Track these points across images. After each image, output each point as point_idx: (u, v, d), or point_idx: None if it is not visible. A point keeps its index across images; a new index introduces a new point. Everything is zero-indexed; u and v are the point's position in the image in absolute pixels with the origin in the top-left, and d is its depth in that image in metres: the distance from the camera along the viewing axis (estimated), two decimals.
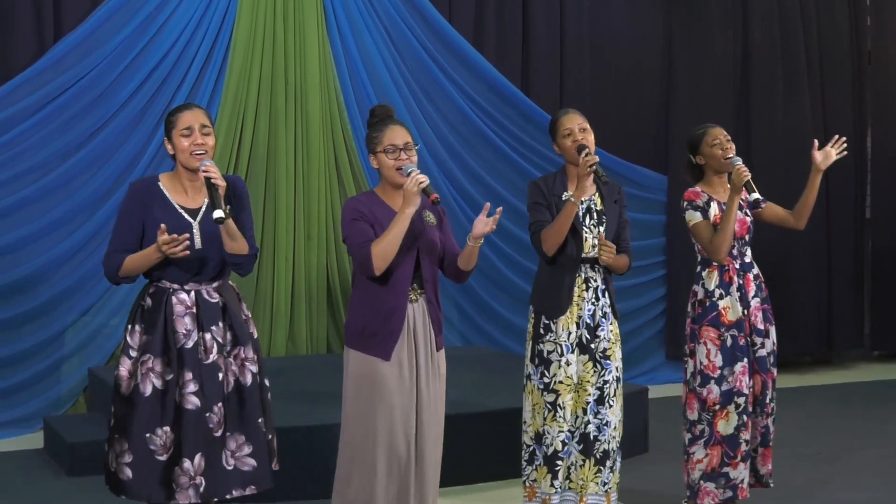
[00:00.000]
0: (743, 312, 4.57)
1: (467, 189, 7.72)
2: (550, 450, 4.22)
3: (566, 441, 4.23)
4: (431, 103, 7.63)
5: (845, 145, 4.68)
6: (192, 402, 3.61)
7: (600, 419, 4.26)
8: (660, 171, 8.38)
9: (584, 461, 4.24)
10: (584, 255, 4.28)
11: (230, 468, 3.67)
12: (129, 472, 3.60)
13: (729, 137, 4.65)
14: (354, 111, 7.29)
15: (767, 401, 4.62)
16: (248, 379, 3.73)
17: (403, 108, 7.32)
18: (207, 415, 3.62)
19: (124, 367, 3.65)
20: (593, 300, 4.28)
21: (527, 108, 7.82)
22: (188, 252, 3.55)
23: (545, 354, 4.25)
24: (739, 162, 4.50)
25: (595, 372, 4.27)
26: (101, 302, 6.69)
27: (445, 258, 3.94)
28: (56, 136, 6.57)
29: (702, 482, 4.57)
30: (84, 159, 6.65)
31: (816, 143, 4.73)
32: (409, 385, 3.81)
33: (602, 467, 4.26)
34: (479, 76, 7.74)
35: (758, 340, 4.62)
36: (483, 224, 3.80)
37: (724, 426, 4.53)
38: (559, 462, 4.22)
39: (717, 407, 4.53)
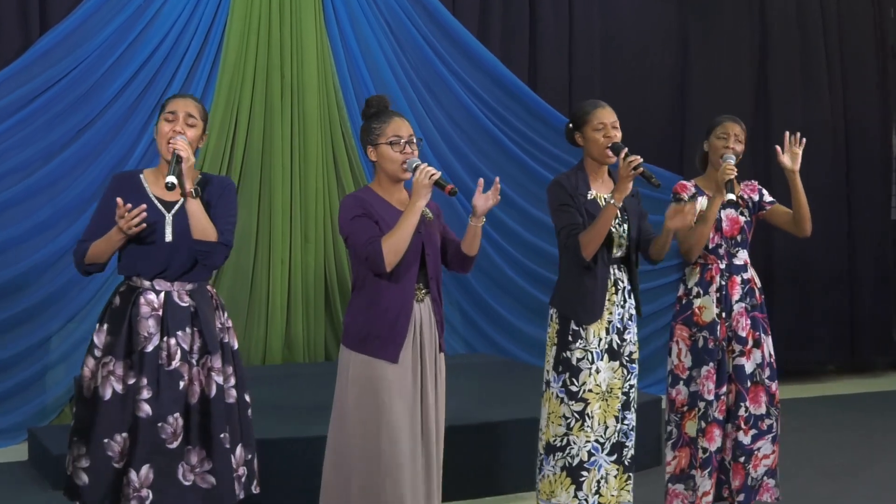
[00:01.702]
0: (720, 315, 4.47)
1: (472, 188, 7.50)
2: (576, 460, 4.10)
3: (593, 451, 4.11)
4: (434, 99, 7.55)
5: (801, 137, 4.55)
6: (144, 409, 3.52)
7: (627, 424, 4.18)
8: (674, 171, 8.22)
9: (616, 472, 4.14)
10: (612, 256, 4.17)
11: (188, 483, 3.54)
12: (85, 478, 3.55)
13: (741, 139, 4.53)
14: (354, 107, 7.20)
15: (740, 413, 4.49)
16: (213, 390, 3.60)
17: (405, 104, 7.24)
18: (161, 424, 3.52)
19: (87, 368, 3.61)
20: (621, 303, 4.17)
21: (534, 104, 7.73)
22: (145, 225, 3.49)
23: (574, 362, 4.10)
24: (731, 160, 4.40)
25: (622, 377, 4.17)
26: (88, 308, 6.56)
27: (449, 249, 3.86)
28: (41, 135, 6.46)
29: (669, 485, 4.54)
30: (70, 158, 6.53)
31: (779, 148, 4.57)
32: (415, 388, 3.71)
33: (631, 474, 4.18)
34: (483, 71, 7.65)
35: (737, 348, 4.50)
36: (484, 200, 3.73)
37: (692, 428, 4.50)
38: (584, 473, 4.10)
39: (685, 409, 4.56)
